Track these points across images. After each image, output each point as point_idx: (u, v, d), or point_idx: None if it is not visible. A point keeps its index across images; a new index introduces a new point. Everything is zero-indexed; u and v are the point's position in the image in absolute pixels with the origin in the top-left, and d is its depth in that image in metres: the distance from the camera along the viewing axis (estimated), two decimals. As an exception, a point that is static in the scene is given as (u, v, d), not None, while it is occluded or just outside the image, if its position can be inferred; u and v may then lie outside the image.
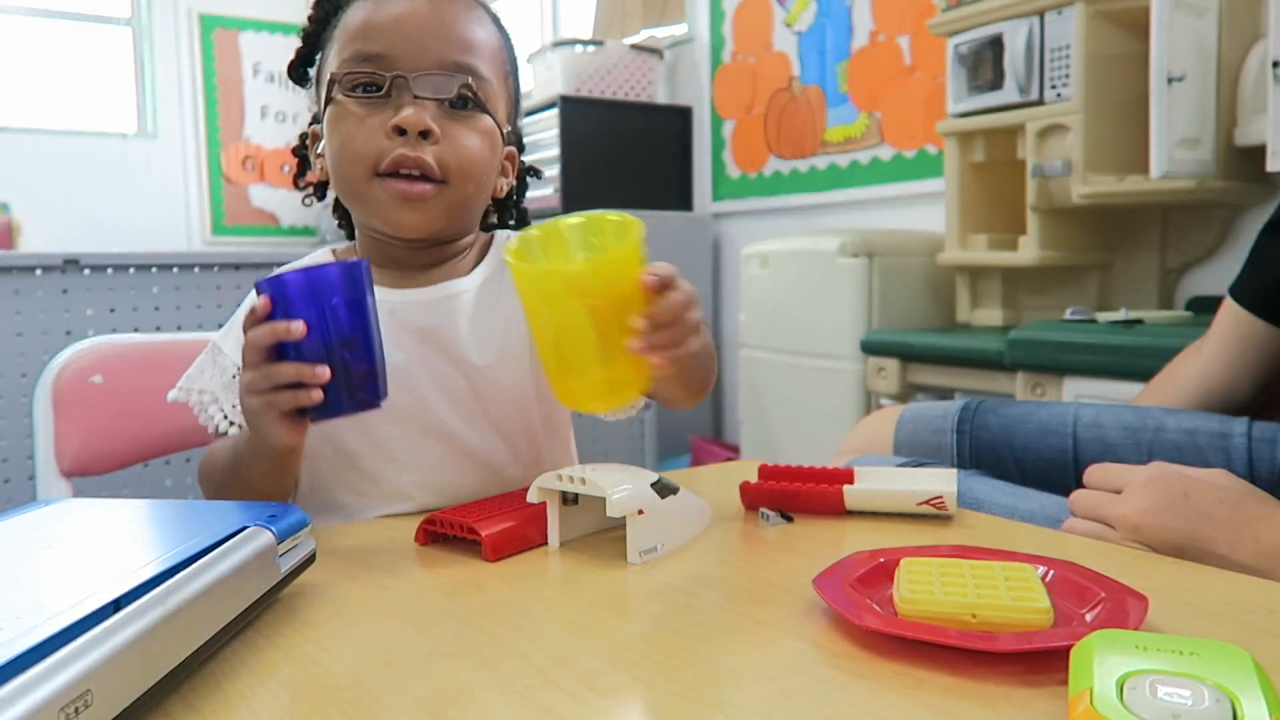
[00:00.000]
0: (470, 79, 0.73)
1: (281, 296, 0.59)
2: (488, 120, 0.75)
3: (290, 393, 0.59)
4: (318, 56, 0.81)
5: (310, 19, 0.81)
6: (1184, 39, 1.49)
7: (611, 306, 0.57)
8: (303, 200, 0.86)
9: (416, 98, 0.71)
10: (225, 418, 0.74)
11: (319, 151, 0.80)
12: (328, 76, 0.75)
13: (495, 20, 0.80)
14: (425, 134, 0.70)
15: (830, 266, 2.05)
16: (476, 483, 0.76)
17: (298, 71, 0.82)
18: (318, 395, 0.59)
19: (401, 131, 0.70)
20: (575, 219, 0.63)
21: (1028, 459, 0.91)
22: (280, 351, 0.60)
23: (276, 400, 0.60)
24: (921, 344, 1.83)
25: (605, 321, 0.57)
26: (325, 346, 0.59)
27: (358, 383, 0.60)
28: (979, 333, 1.86)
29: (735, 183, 3.06)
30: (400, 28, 0.72)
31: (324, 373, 0.58)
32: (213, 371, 0.75)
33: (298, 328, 0.58)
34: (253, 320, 0.61)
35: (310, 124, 0.84)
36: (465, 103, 0.73)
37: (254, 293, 0.62)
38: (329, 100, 0.74)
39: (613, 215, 0.61)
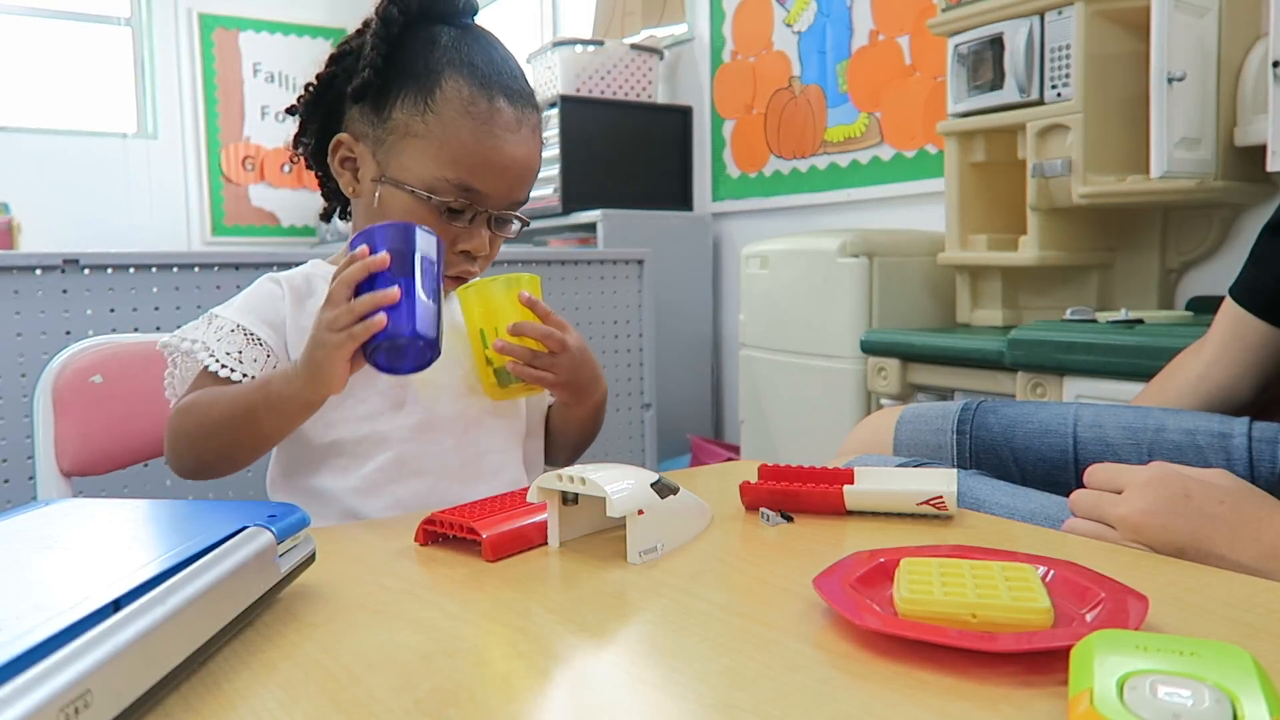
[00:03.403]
0: (526, 210, 0.86)
1: (369, 240, 0.70)
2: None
3: (364, 324, 0.67)
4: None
5: (377, 42, 0.81)
6: (1184, 39, 1.49)
7: (492, 320, 0.79)
8: (290, 157, 0.94)
9: (488, 229, 0.83)
10: (216, 361, 0.78)
11: (343, 160, 0.86)
12: (411, 153, 0.80)
13: (540, 120, 0.87)
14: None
15: (830, 266, 2.05)
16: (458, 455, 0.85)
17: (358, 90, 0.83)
18: (382, 319, 0.67)
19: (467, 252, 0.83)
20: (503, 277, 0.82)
21: (1028, 459, 0.91)
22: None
23: (355, 331, 0.67)
24: (921, 344, 1.83)
25: (489, 330, 0.79)
26: (404, 286, 0.69)
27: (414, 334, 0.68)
28: (979, 333, 1.86)
29: (735, 182, 3.06)
30: (504, 175, 0.81)
31: (394, 292, 0.67)
32: (206, 329, 0.80)
33: (382, 258, 0.68)
34: (345, 264, 0.70)
35: (325, 124, 0.88)
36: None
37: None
38: (405, 187, 0.80)
39: (525, 276, 0.81)
